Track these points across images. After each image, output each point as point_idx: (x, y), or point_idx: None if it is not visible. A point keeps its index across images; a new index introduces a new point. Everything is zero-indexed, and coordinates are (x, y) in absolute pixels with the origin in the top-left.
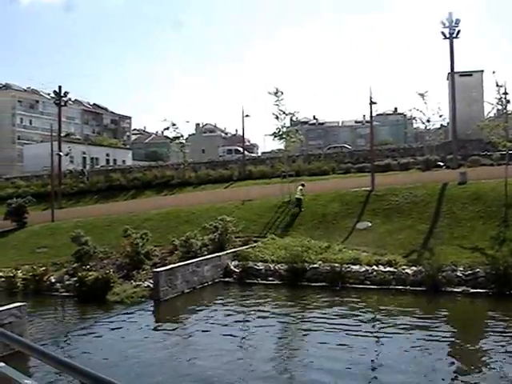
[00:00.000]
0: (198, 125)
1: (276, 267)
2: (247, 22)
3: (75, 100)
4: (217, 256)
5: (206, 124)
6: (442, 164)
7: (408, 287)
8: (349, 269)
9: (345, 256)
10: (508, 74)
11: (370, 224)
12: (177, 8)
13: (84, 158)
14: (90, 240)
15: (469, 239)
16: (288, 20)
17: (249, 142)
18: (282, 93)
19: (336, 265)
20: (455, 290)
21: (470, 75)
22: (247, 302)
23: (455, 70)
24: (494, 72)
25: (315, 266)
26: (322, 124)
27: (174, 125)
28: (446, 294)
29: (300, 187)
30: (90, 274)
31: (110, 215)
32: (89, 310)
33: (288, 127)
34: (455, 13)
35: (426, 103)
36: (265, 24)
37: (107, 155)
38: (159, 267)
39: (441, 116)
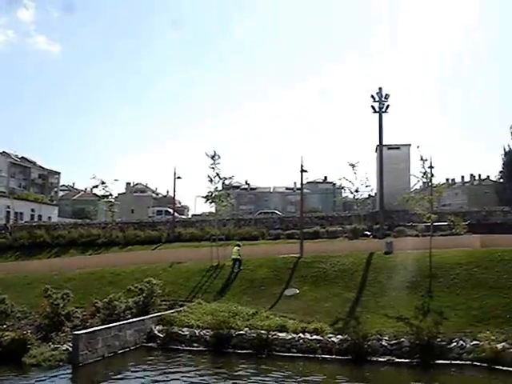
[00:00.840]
0: (128, 184)
1: (201, 333)
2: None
3: (3, 152)
4: (140, 320)
5: (137, 184)
6: (369, 233)
7: (334, 356)
8: (275, 336)
9: (272, 323)
10: (433, 149)
11: (297, 291)
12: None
13: (8, 212)
14: (8, 298)
15: (394, 308)
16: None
17: (180, 203)
18: (219, 156)
19: (263, 332)
20: (380, 359)
21: (398, 148)
22: (169, 369)
23: (383, 142)
24: (418, 147)
25: (241, 332)
26: (254, 189)
27: (103, 183)
28: (371, 363)
29: (237, 247)
30: (6, 334)
31: (31, 273)
32: (2, 372)
33: (220, 191)
34: (385, 88)
35: (355, 173)
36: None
37: (32, 210)
38: (80, 329)
39: (367, 186)
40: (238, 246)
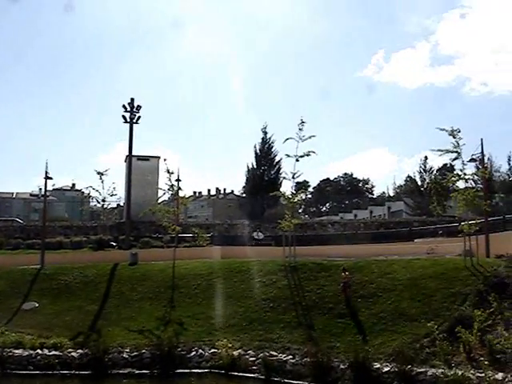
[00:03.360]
0: None
1: None
2: None
3: None
4: None
5: None
6: (114, 244)
7: (74, 371)
8: (11, 353)
9: (7, 339)
10: (182, 162)
11: (36, 304)
12: None
13: None
14: None
15: (136, 320)
16: None
17: None
18: None
19: None
20: (121, 371)
21: (147, 160)
22: None
23: (134, 153)
24: (165, 160)
25: None
26: None
27: None
28: (112, 377)
29: None
30: None
31: None
32: None
33: None
34: (137, 99)
35: (102, 182)
36: None
37: None
38: None
39: (113, 195)
40: None
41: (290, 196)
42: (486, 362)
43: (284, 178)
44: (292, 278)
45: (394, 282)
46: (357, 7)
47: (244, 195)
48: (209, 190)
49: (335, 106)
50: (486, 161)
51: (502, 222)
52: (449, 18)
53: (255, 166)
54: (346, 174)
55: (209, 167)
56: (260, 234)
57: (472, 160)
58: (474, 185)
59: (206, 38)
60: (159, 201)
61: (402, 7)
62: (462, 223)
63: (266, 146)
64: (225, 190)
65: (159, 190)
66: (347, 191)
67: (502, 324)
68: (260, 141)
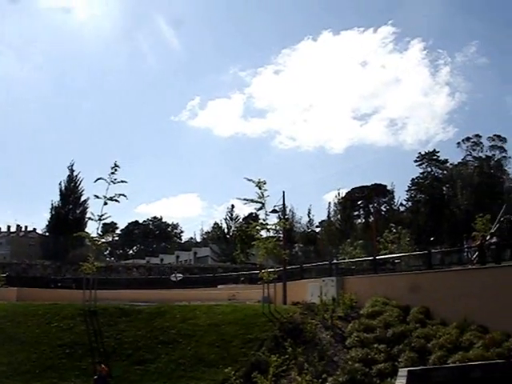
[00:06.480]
0: None
1: None
2: None
3: None
4: None
5: None
6: None
7: None
8: None
9: None
10: None
11: None
12: None
13: None
14: None
15: None
16: None
17: None
18: None
19: None
20: None
21: None
22: None
23: None
24: None
25: None
26: None
27: None
28: None
29: None
30: None
31: None
32: None
33: None
34: None
35: None
36: None
37: None
38: None
39: None
40: None
41: (96, 238)
42: None
43: (90, 218)
44: (91, 322)
45: (194, 328)
46: (169, 52)
47: (47, 234)
48: (9, 227)
49: (147, 148)
50: (288, 212)
51: (300, 271)
52: (263, 73)
53: (60, 204)
54: (155, 217)
55: (10, 200)
56: (179, 274)
57: (274, 211)
58: (275, 234)
59: None
60: None
61: (219, 55)
62: (263, 271)
63: (72, 184)
64: (26, 227)
65: None
66: (155, 235)
67: (296, 369)
68: (66, 178)
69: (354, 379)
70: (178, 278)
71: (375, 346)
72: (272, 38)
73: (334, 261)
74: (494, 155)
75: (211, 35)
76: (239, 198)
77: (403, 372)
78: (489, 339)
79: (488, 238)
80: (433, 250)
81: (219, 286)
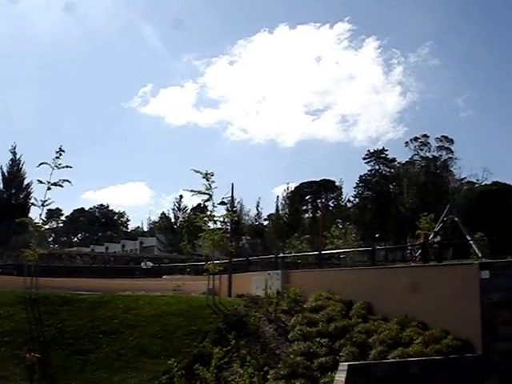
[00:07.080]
0: None
1: None
2: None
3: None
4: None
5: None
6: None
7: None
8: None
9: None
10: None
11: None
12: None
13: None
14: None
15: None
16: None
17: None
18: None
19: None
20: None
21: None
22: None
23: None
24: None
25: None
26: None
27: None
28: None
29: None
30: None
31: None
32: None
33: None
34: None
35: None
36: None
37: None
38: None
39: None
40: None
41: (38, 224)
42: None
43: (33, 204)
44: (32, 311)
45: (137, 318)
46: (123, 37)
47: None
48: None
49: (95, 134)
50: (236, 204)
51: (246, 263)
52: (218, 63)
53: (2, 189)
54: (101, 205)
55: None
56: (149, 263)
57: (222, 203)
58: (223, 226)
59: None
60: None
61: (173, 43)
62: (208, 262)
63: (15, 167)
64: None
65: None
66: (101, 223)
67: (238, 361)
68: (9, 162)
69: (295, 372)
70: (149, 266)
71: (317, 339)
72: (228, 28)
73: (280, 254)
74: (440, 156)
75: (166, 22)
76: (186, 190)
77: (343, 366)
78: (428, 336)
79: (431, 236)
80: (377, 247)
81: (164, 277)
